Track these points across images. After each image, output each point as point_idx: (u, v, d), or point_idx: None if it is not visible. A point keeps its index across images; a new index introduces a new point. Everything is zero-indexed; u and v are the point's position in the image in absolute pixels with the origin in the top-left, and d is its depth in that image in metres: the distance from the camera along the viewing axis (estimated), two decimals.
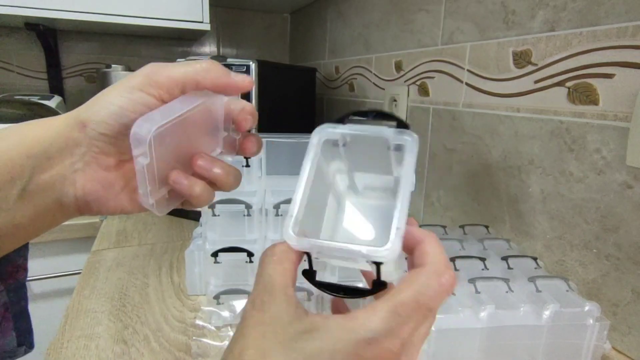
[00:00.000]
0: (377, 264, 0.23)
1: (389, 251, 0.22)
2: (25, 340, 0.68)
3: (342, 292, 0.24)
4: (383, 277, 0.24)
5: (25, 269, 0.69)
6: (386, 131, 0.26)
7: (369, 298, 0.24)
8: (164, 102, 0.27)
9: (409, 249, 0.24)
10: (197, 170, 0.29)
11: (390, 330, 0.20)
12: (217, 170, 0.29)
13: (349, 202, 0.30)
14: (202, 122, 0.29)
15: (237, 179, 0.31)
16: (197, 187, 0.28)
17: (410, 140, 0.26)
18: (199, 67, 0.28)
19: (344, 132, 0.27)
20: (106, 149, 0.27)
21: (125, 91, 0.27)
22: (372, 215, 0.30)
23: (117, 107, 0.26)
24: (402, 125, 0.26)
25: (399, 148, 0.26)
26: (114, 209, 0.29)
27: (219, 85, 0.29)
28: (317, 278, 0.25)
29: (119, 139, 0.27)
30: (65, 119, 0.27)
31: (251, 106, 0.31)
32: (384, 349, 0.20)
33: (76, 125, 0.27)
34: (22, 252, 0.68)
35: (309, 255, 0.25)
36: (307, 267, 0.25)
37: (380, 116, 0.28)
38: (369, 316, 0.20)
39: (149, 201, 0.27)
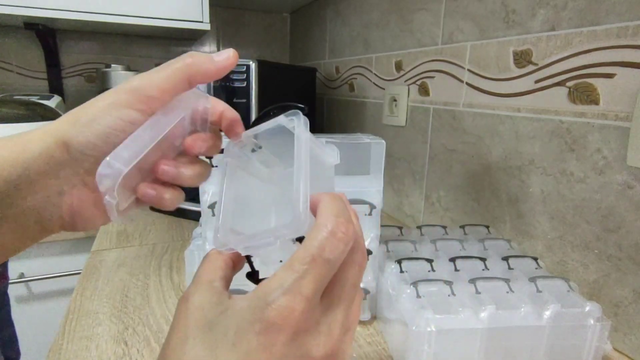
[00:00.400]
0: (300, 240, 0.23)
1: (295, 221, 0.23)
2: (10, 350, 0.66)
3: None
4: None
5: (6, 278, 0.67)
6: (280, 119, 0.27)
7: None
8: (153, 113, 0.26)
9: (314, 215, 0.24)
10: (160, 177, 0.27)
11: (287, 287, 0.20)
12: (181, 170, 0.28)
13: (279, 198, 0.32)
14: (176, 134, 0.28)
15: (202, 174, 0.29)
16: (166, 195, 0.27)
17: (297, 119, 0.27)
18: (183, 66, 0.26)
19: (247, 135, 0.29)
20: (93, 169, 0.25)
21: (111, 108, 0.25)
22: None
23: (103, 127, 0.25)
24: (295, 108, 0.28)
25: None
26: (101, 224, 0.28)
27: (208, 76, 0.27)
28: None
29: (103, 157, 0.25)
30: (43, 135, 0.25)
31: (232, 111, 0.30)
32: (285, 307, 0.20)
33: (58, 146, 0.25)
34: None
35: (248, 257, 0.26)
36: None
37: (279, 110, 0.29)
38: (270, 281, 0.21)
39: (118, 218, 0.26)
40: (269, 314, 0.20)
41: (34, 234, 0.27)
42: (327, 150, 0.31)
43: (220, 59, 0.27)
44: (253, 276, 0.27)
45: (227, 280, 0.25)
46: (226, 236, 0.26)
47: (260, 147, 0.30)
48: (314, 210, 0.24)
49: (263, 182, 0.32)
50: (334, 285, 0.23)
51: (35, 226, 0.26)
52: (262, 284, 0.21)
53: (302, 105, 0.28)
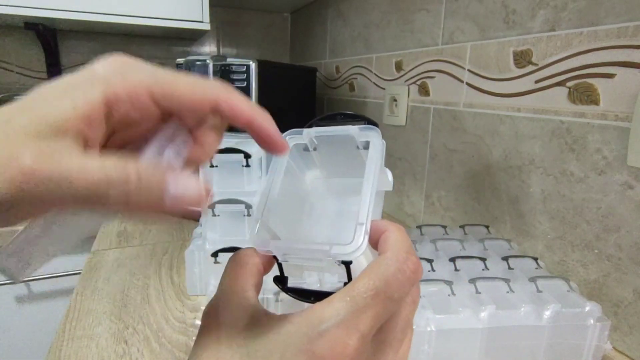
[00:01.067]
0: (346, 264, 0.22)
1: (352, 247, 0.21)
2: None
3: (314, 297, 0.23)
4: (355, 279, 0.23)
5: None
6: (352, 129, 0.26)
7: None
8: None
9: (374, 242, 0.23)
10: None
11: (344, 320, 0.18)
12: None
13: (325, 207, 0.30)
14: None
15: None
16: None
17: (374, 135, 0.25)
18: (208, 90, 0.21)
19: (310, 133, 0.27)
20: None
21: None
22: (347, 218, 0.29)
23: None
24: (370, 123, 0.26)
25: (367, 146, 0.26)
26: None
27: (239, 122, 0.22)
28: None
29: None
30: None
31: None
32: (338, 341, 0.18)
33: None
34: None
35: (277, 260, 0.24)
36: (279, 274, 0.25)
37: (348, 117, 0.27)
38: (324, 308, 0.19)
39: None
40: (321, 345, 0.18)
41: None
42: (386, 173, 0.29)
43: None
44: (282, 282, 0.25)
45: (259, 289, 0.23)
46: (265, 236, 0.24)
47: (315, 149, 0.28)
48: (375, 238, 0.22)
49: (314, 186, 0.30)
50: (389, 323, 0.21)
51: None
52: (313, 309, 0.19)
53: (376, 122, 0.27)
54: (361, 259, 0.23)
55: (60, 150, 0.17)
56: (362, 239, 0.21)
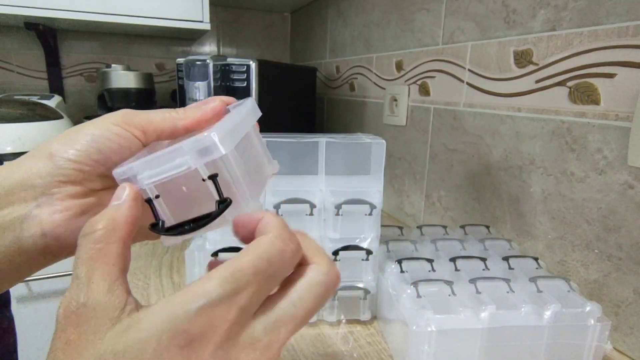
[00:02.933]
0: (213, 179, 0.22)
1: (210, 135, 0.21)
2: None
3: (191, 224, 0.22)
4: (237, 209, 0.23)
5: (13, 333, 0.65)
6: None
7: None
8: (140, 142, 0.26)
9: (252, 230, 0.22)
10: None
11: (224, 295, 0.18)
12: None
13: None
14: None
15: None
16: None
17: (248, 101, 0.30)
18: (174, 114, 0.27)
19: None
20: (74, 176, 0.24)
21: (101, 124, 0.25)
22: None
23: (90, 135, 0.25)
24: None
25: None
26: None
27: (196, 124, 0.27)
28: None
29: (89, 165, 0.25)
30: (32, 151, 0.25)
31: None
32: (216, 316, 0.18)
33: (42, 156, 0.24)
34: None
35: (149, 202, 0.22)
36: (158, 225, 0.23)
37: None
38: (203, 284, 0.18)
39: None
40: (200, 323, 0.17)
41: (13, 256, 0.24)
42: (270, 157, 0.31)
43: (207, 108, 0.28)
44: (157, 226, 0.23)
45: (126, 270, 0.20)
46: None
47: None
48: (252, 225, 0.22)
49: None
50: (279, 300, 0.20)
51: (13, 246, 0.24)
52: (193, 285, 0.18)
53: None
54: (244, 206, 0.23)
55: None
56: (223, 129, 0.22)
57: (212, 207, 0.22)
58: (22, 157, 0.25)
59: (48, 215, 0.24)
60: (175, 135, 0.28)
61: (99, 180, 0.26)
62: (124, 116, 0.26)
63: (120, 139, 0.25)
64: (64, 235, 0.24)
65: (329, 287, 0.21)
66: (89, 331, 0.18)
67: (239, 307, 0.18)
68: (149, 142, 0.27)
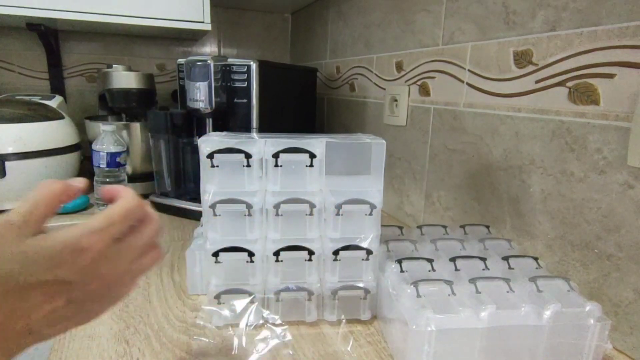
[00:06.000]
0: None
1: None
2: None
3: None
4: None
5: None
6: None
7: None
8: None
9: (115, 196, 0.33)
10: None
11: (102, 227, 0.30)
12: None
13: None
14: None
15: None
16: None
17: None
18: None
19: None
20: None
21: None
22: None
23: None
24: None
25: None
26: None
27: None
28: None
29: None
30: None
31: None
32: (98, 239, 0.29)
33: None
34: None
35: None
36: None
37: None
38: (93, 220, 0.30)
39: None
40: (87, 239, 0.29)
41: None
42: None
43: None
44: None
45: (45, 218, 0.29)
46: None
47: None
48: (115, 192, 0.34)
49: None
50: (132, 237, 0.33)
51: None
52: (85, 222, 0.29)
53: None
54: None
55: None
56: None
57: None
58: None
59: None
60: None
61: None
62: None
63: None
64: None
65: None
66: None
67: (110, 235, 0.31)
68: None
